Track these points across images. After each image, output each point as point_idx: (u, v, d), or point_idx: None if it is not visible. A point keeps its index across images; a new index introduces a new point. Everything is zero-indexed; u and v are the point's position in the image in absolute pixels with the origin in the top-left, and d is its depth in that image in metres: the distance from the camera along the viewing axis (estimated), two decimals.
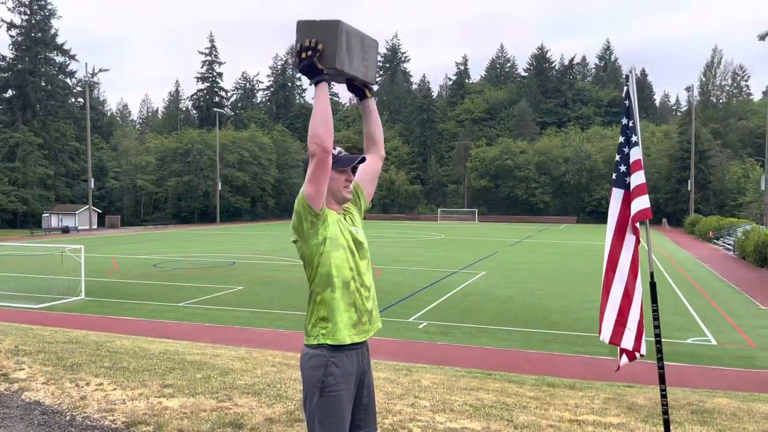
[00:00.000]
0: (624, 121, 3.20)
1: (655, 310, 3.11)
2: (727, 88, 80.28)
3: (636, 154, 3.14)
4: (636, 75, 3.18)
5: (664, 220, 59.20)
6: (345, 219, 2.79)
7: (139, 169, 67.71)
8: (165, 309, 14.57)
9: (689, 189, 54.63)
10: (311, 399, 2.59)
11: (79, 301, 15.67)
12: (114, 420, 4.24)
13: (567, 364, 10.02)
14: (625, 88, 3.25)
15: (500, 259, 26.93)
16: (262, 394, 4.90)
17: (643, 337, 3.11)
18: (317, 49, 2.54)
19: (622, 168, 3.19)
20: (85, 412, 4.38)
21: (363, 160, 2.80)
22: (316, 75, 2.57)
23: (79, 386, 5.00)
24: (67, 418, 4.25)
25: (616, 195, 3.18)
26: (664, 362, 3.15)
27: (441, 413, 4.49)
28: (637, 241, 3.11)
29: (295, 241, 2.73)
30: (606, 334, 3.11)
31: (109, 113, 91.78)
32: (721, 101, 78.57)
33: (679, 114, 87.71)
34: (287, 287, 18.26)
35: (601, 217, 67.97)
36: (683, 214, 57.08)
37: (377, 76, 2.90)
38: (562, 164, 72.72)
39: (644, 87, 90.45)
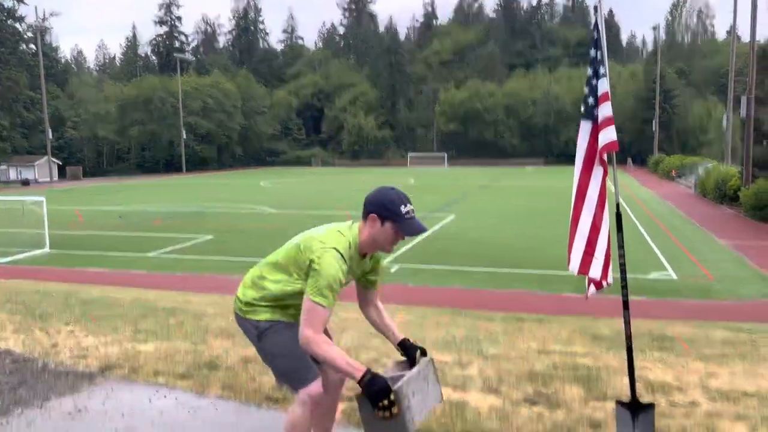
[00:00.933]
0: (592, 53, 3.18)
1: (621, 239, 3.18)
2: (693, 27, 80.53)
3: (604, 86, 3.14)
4: (603, 13, 3.14)
5: (629, 159, 60.18)
6: (357, 266, 2.64)
7: (99, 119, 65.53)
8: (134, 259, 14.40)
9: (654, 129, 55.42)
10: (261, 352, 2.68)
11: (44, 254, 15.38)
12: (88, 365, 4.24)
13: (535, 301, 10.30)
14: (593, 19, 3.22)
15: (470, 202, 27.19)
16: (237, 335, 4.93)
17: (610, 267, 3.19)
18: (388, 408, 2.34)
19: (590, 100, 3.19)
20: (57, 359, 4.37)
21: (423, 231, 2.60)
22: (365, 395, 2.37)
23: (50, 334, 4.97)
24: (39, 364, 4.24)
25: (585, 127, 3.19)
26: (628, 293, 3.24)
27: None
28: (605, 173, 3.14)
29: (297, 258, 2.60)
30: (574, 265, 3.18)
31: (63, 60, 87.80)
32: (686, 40, 78.92)
33: (645, 54, 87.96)
34: (257, 235, 18.18)
35: (568, 160, 68.74)
36: (648, 153, 58.09)
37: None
38: (530, 106, 72.79)
39: (611, 27, 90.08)
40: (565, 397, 3.69)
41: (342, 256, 2.46)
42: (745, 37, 67.39)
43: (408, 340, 2.73)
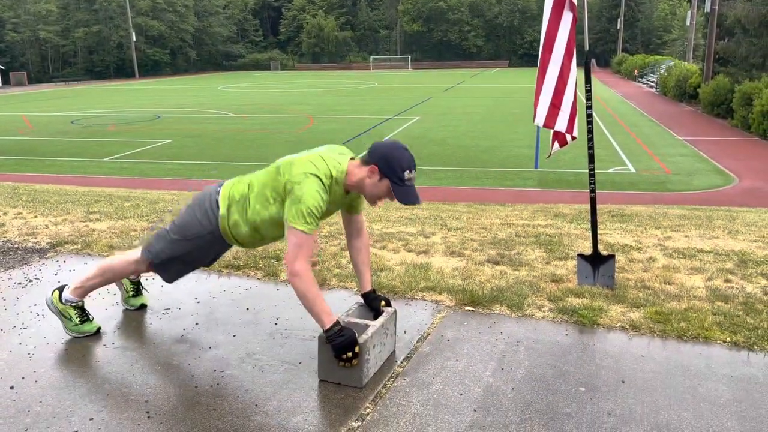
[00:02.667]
0: None
1: (588, 90, 3.09)
2: None
3: None
4: None
5: (593, 60, 59.81)
6: (339, 199, 2.51)
7: (40, 19, 61.11)
8: (89, 165, 13.91)
9: (618, 28, 54.75)
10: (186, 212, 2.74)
11: None
12: (38, 242, 4.08)
13: (497, 195, 10.41)
14: None
15: (434, 105, 26.83)
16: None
17: (576, 119, 3.11)
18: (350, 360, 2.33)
19: None
20: (5, 237, 4.19)
21: (417, 203, 2.46)
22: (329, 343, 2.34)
23: None
24: None
25: None
26: (599, 188, 3.19)
27: (377, 223, 4.57)
28: (574, 20, 2.98)
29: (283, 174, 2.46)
30: (540, 118, 3.09)
31: None
32: None
33: None
34: (216, 139, 17.69)
35: (532, 60, 67.94)
36: (611, 53, 57.73)
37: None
38: (495, 5, 70.71)
39: None
40: (528, 257, 3.74)
41: (323, 183, 2.35)
42: None
43: (374, 291, 2.70)
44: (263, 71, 71.11)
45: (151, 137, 18.04)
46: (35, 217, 4.70)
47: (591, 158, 3.19)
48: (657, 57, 42.18)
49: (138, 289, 3.09)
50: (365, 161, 2.41)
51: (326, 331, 2.33)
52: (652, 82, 35.26)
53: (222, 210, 2.58)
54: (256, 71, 70.95)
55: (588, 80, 3.11)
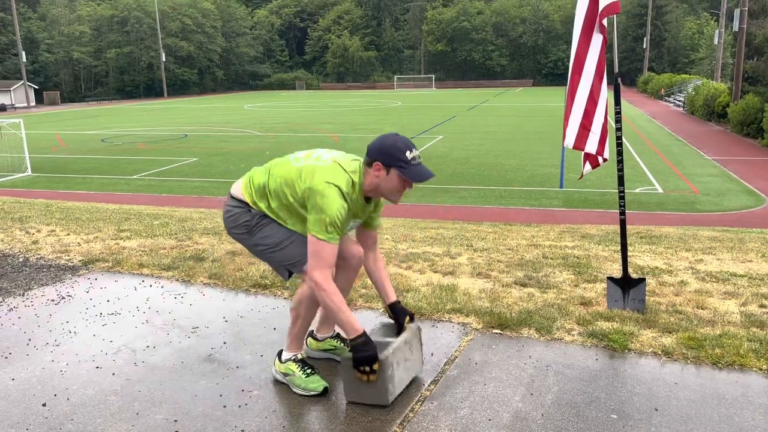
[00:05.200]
0: None
1: (618, 112, 3.06)
2: None
3: None
4: None
5: (618, 79, 59.36)
6: (360, 209, 2.48)
7: (74, 40, 62.95)
8: (118, 182, 14.19)
9: (644, 47, 54.36)
10: (252, 247, 2.55)
11: (25, 177, 15.11)
12: (70, 259, 4.16)
13: (523, 215, 10.33)
14: None
15: (457, 124, 26.86)
16: (223, 234, 4.85)
17: (607, 141, 3.09)
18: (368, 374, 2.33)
19: None
20: (38, 254, 4.29)
21: (431, 176, 2.43)
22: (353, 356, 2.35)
23: (30, 233, 4.86)
24: (20, 259, 4.15)
25: None
26: (628, 208, 3.16)
27: (403, 243, 4.56)
28: (604, 41, 2.97)
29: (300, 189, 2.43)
30: (570, 140, 3.06)
31: None
32: None
33: None
34: (242, 157, 17.93)
35: (557, 79, 67.79)
36: (637, 73, 57.27)
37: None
38: (519, 25, 70.82)
39: None
40: (556, 280, 3.69)
41: (344, 195, 2.33)
42: None
43: (399, 303, 2.66)
44: (289, 90, 72.06)
45: (179, 155, 18.35)
46: (68, 234, 4.81)
47: (620, 180, 3.16)
48: (684, 76, 41.72)
49: (343, 339, 2.82)
50: (367, 163, 2.39)
51: (351, 341, 2.32)
52: (679, 101, 34.86)
53: (248, 200, 2.51)
54: (282, 90, 71.93)
55: (618, 102, 3.09)
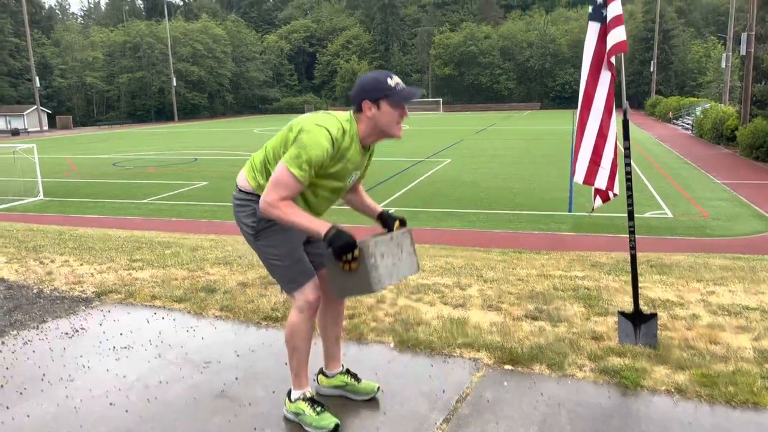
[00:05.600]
0: None
1: (627, 148, 3.09)
2: None
3: None
4: None
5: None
6: (360, 158, 2.47)
7: (87, 66, 64.04)
8: (129, 206, 14.32)
9: (651, 70, 54.58)
10: (257, 247, 2.52)
11: (38, 201, 15.26)
12: (83, 291, 4.20)
13: (531, 240, 10.31)
14: None
15: (465, 147, 26.96)
16: (234, 264, 4.89)
17: (617, 176, 3.11)
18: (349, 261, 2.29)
19: (599, 0, 3.03)
20: (52, 285, 4.33)
21: (423, 95, 2.40)
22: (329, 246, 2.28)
23: (44, 264, 4.92)
24: (35, 291, 4.19)
25: (592, 29, 3.04)
26: (637, 232, 3.17)
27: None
28: (613, 78, 3.01)
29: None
30: (580, 175, 3.09)
31: (47, 5, 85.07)
32: None
33: None
34: None
35: (564, 103, 68.03)
36: (645, 96, 57.40)
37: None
38: (526, 49, 71.38)
39: None
40: (567, 313, 3.68)
41: (332, 139, 2.29)
42: None
43: (387, 211, 2.66)
44: (298, 114, 72.52)
45: (189, 179, 18.51)
46: (81, 264, 4.86)
47: (630, 215, 3.17)
48: (692, 99, 41.78)
49: (353, 374, 2.79)
50: (357, 110, 2.39)
51: (325, 237, 2.25)
52: (687, 124, 34.87)
53: (253, 184, 2.47)
54: (291, 114, 72.61)
55: (626, 137, 3.12)
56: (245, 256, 5.22)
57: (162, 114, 66.01)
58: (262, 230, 2.47)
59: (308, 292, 2.50)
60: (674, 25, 62.91)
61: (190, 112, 67.26)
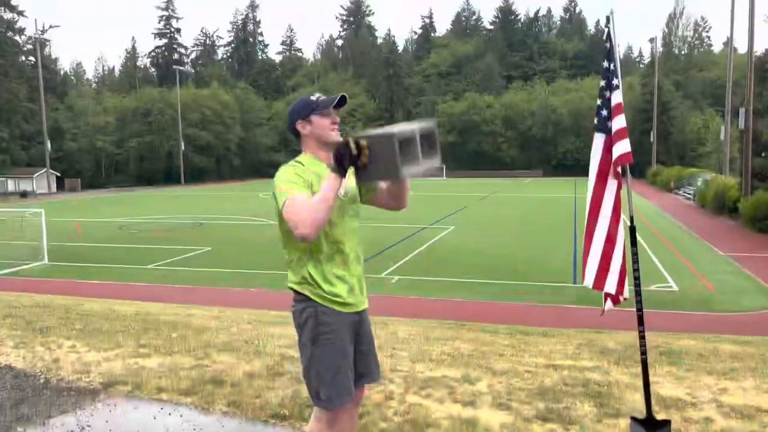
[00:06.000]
0: (605, 64, 3.15)
1: (635, 254, 3.13)
2: (689, 39, 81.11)
3: (617, 97, 3.11)
4: (603, 23, 3.11)
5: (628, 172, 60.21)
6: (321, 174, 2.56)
7: (98, 130, 65.54)
8: (133, 272, 14.34)
9: (651, 140, 55.56)
10: (305, 351, 2.53)
11: (42, 266, 15.31)
12: (90, 381, 4.16)
13: (537, 313, 10.25)
14: (606, 30, 3.19)
15: (469, 214, 27.16)
16: (241, 350, 4.86)
17: (626, 281, 3.14)
18: (358, 157, 2.35)
19: (604, 112, 3.16)
20: (59, 374, 4.29)
21: (343, 99, 2.57)
22: (347, 166, 2.37)
23: (51, 349, 4.89)
24: (41, 380, 4.16)
25: (598, 140, 3.16)
26: (643, 306, 3.19)
27: (420, 363, 4.54)
28: (619, 186, 3.11)
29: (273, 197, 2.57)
30: (589, 280, 3.14)
31: (62, 72, 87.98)
32: (683, 52, 79.43)
33: (642, 66, 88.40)
34: (256, 247, 18.12)
35: (566, 170, 68.90)
36: (646, 165, 58.19)
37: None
38: (528, 118, 72.99)
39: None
40: (578, 413, 3.63)
41: (291, 165, 2.55)
42: (741, 49, 67.96)
43: None
44: None
45: (194, 244, 18.60)
46: (88, 350, 4.85)
47: (640, 320, 3.19)
48: (693, 169, 42.33)
49: None
50: (295, 135, 2.65)
51: (332, 170, 2.35)
52: (689, 194, 35.18)
53: (295, 280, 2.58)
54: None
55: (634, 243, 3.17)
56: (251, 341, 5.20)
57: (169, 177, 66.96)
58: (320, 336, 2.49)
59: (334, 418, 2.50)
60: (672, 97, 64.50)
61: (197, 176, 68.25)
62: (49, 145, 52.11)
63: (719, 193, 26.38)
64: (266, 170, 78.50)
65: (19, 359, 4.64)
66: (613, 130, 3.09)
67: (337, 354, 2.48)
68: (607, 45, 3.17)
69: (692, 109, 66.85)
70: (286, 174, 2.51)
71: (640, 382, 4.03)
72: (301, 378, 2.59)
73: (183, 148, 64.51)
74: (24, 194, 49.42)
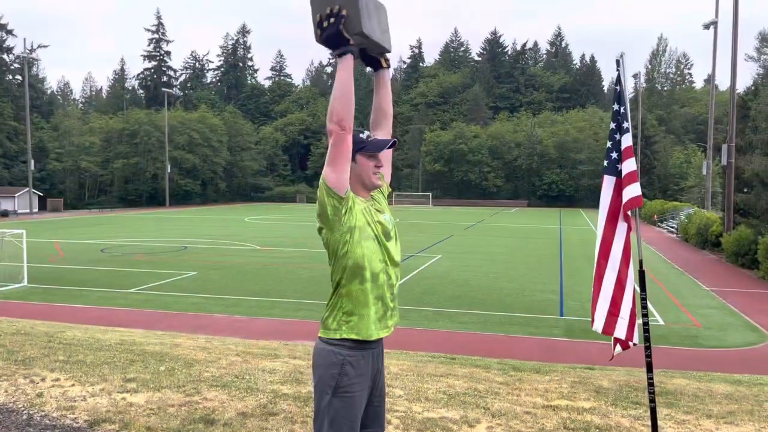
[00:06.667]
0: (615, 107, 3.15)
1: (644, 299, 3.10)
2: (672, 75, 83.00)
3: (627, 140, 3.10)
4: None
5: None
6: (373, 207, 2.58)
7: (83, 150, 65.10)
8: (115, 296, 14.07)
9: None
10: (323, 397, 2.44)
11: (21, 288, 14.97)
12: (75, 418, 3.98)
13: (524, 345, 10.19)
14: (616, 73, 3.20)
15: (455, 243, 27.18)
16: (232, 386, 4.71)
17: (636, 326, 3.10)
18: (341, 15, 2.36)
19: (614, 155, 3.15)
20: (43, 410, 4.10)
21: (395, 144, 2.58)
22: (341, 45, 2.40)
23: (35, 382, 4.70)
24: (24, 417, 3.97)
25: (608, 182, 3.14)
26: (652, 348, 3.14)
27: (417, 402, 4.43)
28: (629, 229, 3.08)
29: (320, 229, 2.50)
30: (599, 324, 3.09)
31: (49, 92, 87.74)
32: (665, 88, 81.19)
33: None
34: (241, 272, 17.92)
35: (551, 201, 69.59)
36: None
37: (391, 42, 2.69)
38: (514, 149, 73.86)
39: (593, 74, 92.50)
40: None
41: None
42: (722, 86, 69.61)
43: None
44: (289, 203, 73.58)
45: (177, 268, 18.34)
46: (72, 385, 4.66)
47: (649, 367, 3.14)
48: (676, 203, 42.92)
49: None
50: None
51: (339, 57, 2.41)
52: (672, 227, 35.60)
53: (333, 326, 2.49)
54: (283, 203, 73.44)
55: (643, 288, 3.14)
56: (242, 375, 5.06)
57: (154, 199, 66.47)
58: (342, 387, 2.40)
59: None
60: (655, 132, 65.73)
61: (182, 199, 67.83)
62: (32, 164, 51.55)
63: (702, 227, 26.72)
64: (252, 194, 78.43)
65: (1, 393, 4.44)
66: (624, 173, 3.08)
67: (355, 406, 2.43)
68: (617, 88, 3.17)
69: (675, 143, 68.14)
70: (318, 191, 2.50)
71: (641, 426, 3.98)
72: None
73: (169, 170, 64.20)
74: (5, 213, 48.67)
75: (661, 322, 12.41)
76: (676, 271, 19.93)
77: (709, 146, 32.53)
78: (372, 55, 2.71)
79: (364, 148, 2.53)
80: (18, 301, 13.41)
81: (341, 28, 2.35)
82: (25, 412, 4.06)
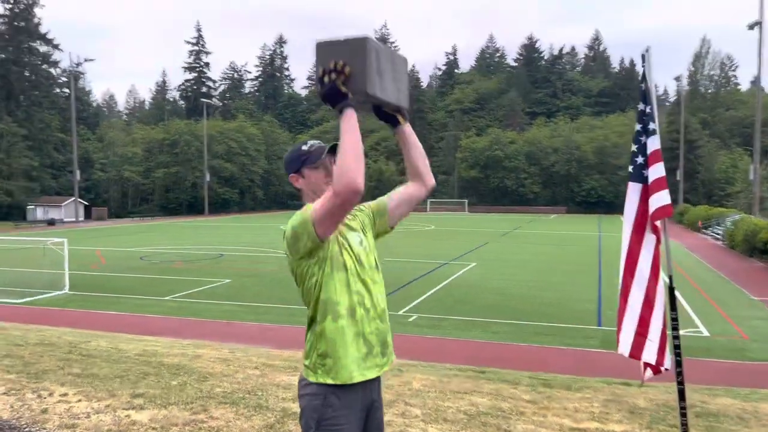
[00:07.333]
0: (640, 106, 2.91)
1: (675, 319, 2.84)
2: (716, 78, 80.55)
3: (654, 143, 2.86)
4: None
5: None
6: (345, 226, 2.43)
7: (126, 161, 66.96)
8: (150, 303, 14.25)
9: (678, 179, 54.74)
10: (307, 430, 2.28)
11: (62, 295, 15.32)
12: None
13: (559, 358, 9.85)
14: (641, 70, 2.96)
15: (491, 250, 26.76)
16: (241, 404, 4.60)
17: (667, 350, 2.81)
18: (343, 72, 2.17)
19: (639, 159, 2.91)
20: (44, 428, 4.06)
21: (334, 148, 2.35)
22: (340, 101, 2.19)
23: (42, 397, 4.68)
24: None
25: (634, 190, 2.89)
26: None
27: (434, 423, 4.24)
28: (658, 241, 2.82)
29: (286, 254, 2.38)
30: (625, 347, 2.83)
31: (95, 104, 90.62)
32: (709, 91, 78.82)
33: (668, 104, 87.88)
34: (275, 280, 17.97)
35: (590, 207, 68.16)
36: (673, 203, 57.25)
37: (409, 98, 2.57)
38: (551, 154, 72.70)
39: (633, 77, 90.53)
40: None
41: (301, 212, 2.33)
42: None
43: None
44: None
45: (213, 276, 18.51)
46: (79, 400, 4.62)
47: (681, 395, 2.89)
48: (721, 209, 41.43)
49: None
50: (295, 184, 2.46)
51: (341, 111, 2.20)
52: (717, 234, 34.33)
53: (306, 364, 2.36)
54: None
55: (673, 307, 2.90)
56: (254, 391, 4.95)
57: (193, 208, 67.77)
58: (326, 420, 2.26)
59: None
60: (699, 136, 63.81)
61: (220, 207, 68.99)
62: (78, 174, 53.19)
63: (749, 233, 25.64)
64: (289, 202, 79.25)
65: (6, 408, 4.43)
66: (650, 179, 2.83)
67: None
68: (642, 86, 2.92)
69: (720, 148, 65.97)
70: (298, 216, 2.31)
71: None
72: None
73: (208, 179, 65.40)
74: (51, 222, 50.28)
75: (706, 334, 11.88)
76: (722, 279, 19.14)
77: (756, 150, 31.29)
78: (387, 112, 2.56)
79: (306, 161, 2.40)
80: (58, 308, 13.71)
81: (338, 84, 2.17)
82: (26, 429, 4.02)
